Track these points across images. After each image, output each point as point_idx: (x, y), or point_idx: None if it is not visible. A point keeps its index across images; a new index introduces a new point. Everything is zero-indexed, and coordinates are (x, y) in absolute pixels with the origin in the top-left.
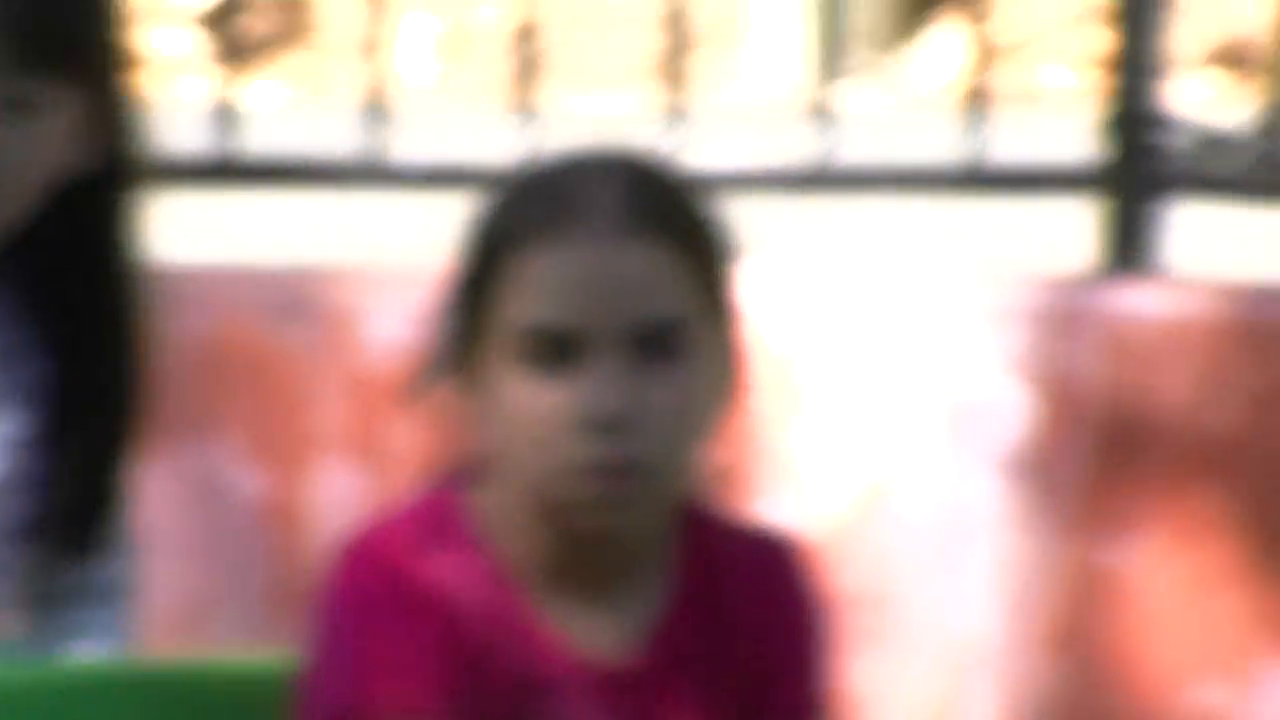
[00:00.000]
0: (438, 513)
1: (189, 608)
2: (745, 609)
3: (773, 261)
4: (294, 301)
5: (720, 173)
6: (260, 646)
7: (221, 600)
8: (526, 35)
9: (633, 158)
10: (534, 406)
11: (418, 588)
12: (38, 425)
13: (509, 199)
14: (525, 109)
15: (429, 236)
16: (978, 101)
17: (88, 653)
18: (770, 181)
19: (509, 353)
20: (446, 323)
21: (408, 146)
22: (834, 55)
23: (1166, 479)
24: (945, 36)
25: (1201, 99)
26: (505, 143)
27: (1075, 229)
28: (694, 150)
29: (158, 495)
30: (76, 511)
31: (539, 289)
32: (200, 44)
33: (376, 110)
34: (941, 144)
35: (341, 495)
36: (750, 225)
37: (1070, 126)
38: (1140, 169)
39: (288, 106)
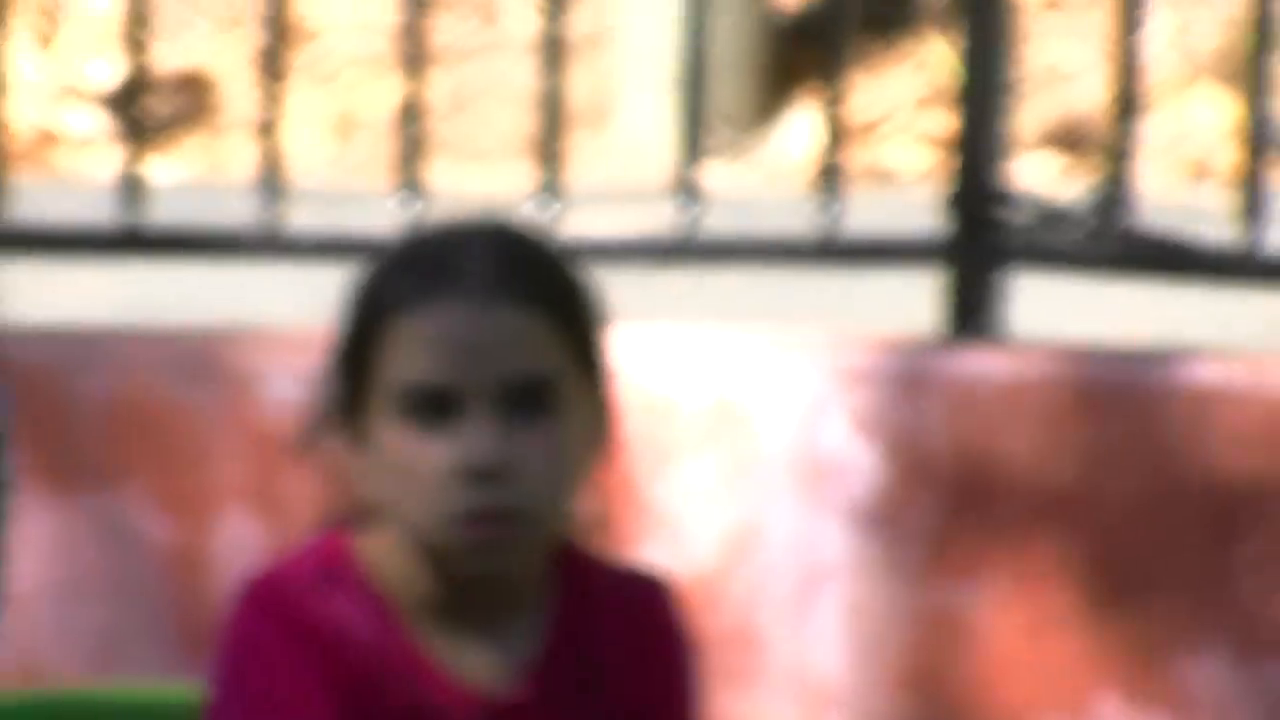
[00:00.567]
0: (329, 556)
1: (103, 648)
2: (619, 644)
3: (643, 327)
4: (197, 363)
5: (592, 244)
6: (170, 681)
7: (134, 640)
8: (411, 115)
9: (506, 227)
10: (414, 459)
11: (309, 625)
12: None
13: (387, 266)
14: (410, 185)
15: (322, 303)
16: (831, 179)
17: None
18: (639, 253)
19: (390, 410)
20: (332, 383)
21: (301, 219)
22: (697, 135)
23: (1008, 530)
24: (802, 118)
25: (1040, 176)
26: (392, 216)
27: (923, 298)
28: (568, 223)
29: (72, 542)
30: None
31: (415, 349)
32: (107, 123)
33: (272, 185)
34: (798, 218)
35: (243, 542)
36: (621, 293)
37: (918, 202)
38: (982, 242)
39: (190, 182)
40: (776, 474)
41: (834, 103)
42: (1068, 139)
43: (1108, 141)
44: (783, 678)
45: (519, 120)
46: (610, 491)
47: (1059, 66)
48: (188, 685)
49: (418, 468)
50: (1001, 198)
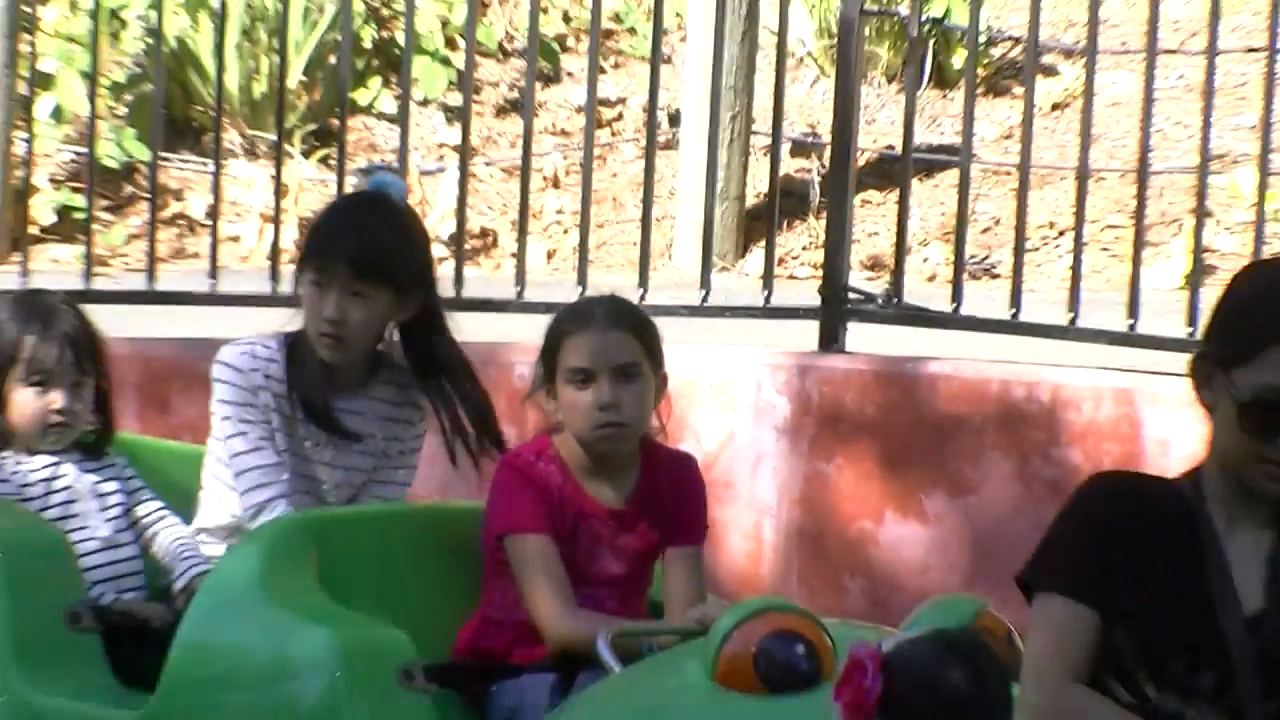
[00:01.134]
0: (541, 445)
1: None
2: (670, 486)
3: (679, 346)
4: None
5: (655, 306)
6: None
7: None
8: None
9: (616, 296)
10: (575, 401)
11: (532, 476)
12: None
13: (563, 313)
14: (582, 280)
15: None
16: (769, 282)
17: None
18: (677, 311)
19: (565, 379)
20: (538, 368)
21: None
22: (709, 257)
23: (848, 437)
24: (757, 256)
25: (861, 278)
26: (572, 293)
27: (809, 333)
28: (647, 298)
29: None
30: None
31: (576, 352)
32: None
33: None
34: (756, 298)
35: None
36: (668, 329)
37: (808, 289)
38: (834, 308)
39: None
40: (743, 411)
41: (771, 250)
42: (875, 264)
43: (893, 266)
44: (745, 502)
45: (630, 248)
46: (665, 417)
47: (867, 227)
48: (477, 504)
49: (579, 406)
50: (845, 288)
